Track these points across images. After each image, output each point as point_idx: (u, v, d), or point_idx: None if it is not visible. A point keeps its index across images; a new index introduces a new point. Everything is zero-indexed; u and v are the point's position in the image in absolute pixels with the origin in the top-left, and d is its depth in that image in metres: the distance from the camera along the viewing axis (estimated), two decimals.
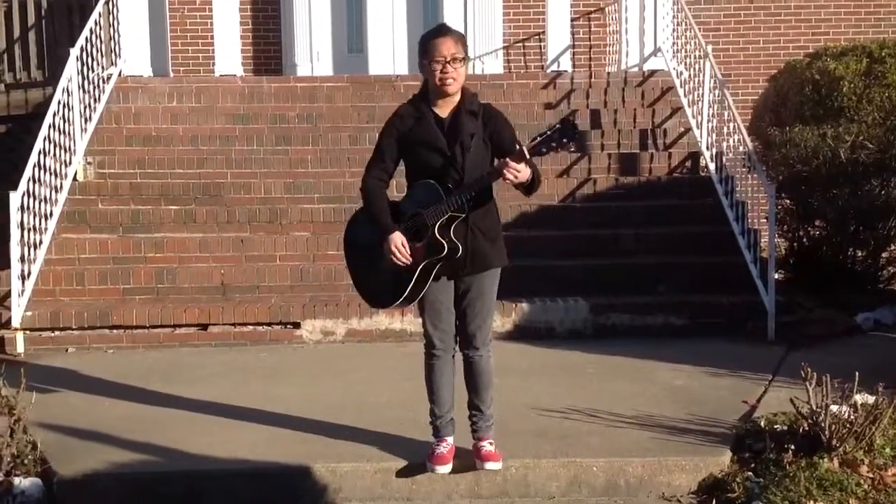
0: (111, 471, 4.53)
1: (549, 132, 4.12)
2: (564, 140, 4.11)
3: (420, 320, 4.46)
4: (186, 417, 5.30)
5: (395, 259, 4.17)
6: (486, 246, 4.29)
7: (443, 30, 4.29)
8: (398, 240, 4.18)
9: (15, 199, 7.13)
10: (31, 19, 9.84)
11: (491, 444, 4.44)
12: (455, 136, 4.21)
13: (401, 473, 4.51)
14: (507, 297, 6.74)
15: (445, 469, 4.42)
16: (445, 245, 4.17)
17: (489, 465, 4.39)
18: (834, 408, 4.53)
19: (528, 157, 4.09)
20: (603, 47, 11.34)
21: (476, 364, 4.43)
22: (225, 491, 4.47)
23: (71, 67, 8.34)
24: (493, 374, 4.48)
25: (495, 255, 4.34)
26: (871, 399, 4.65)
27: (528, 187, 4.20)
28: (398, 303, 4.33)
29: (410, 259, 4.18)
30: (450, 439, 4.48)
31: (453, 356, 4.45)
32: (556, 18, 10.39)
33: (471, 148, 4.21)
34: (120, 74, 9.52)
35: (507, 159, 4.09)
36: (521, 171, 4.08)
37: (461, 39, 4.25)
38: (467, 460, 4.46)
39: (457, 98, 4.27)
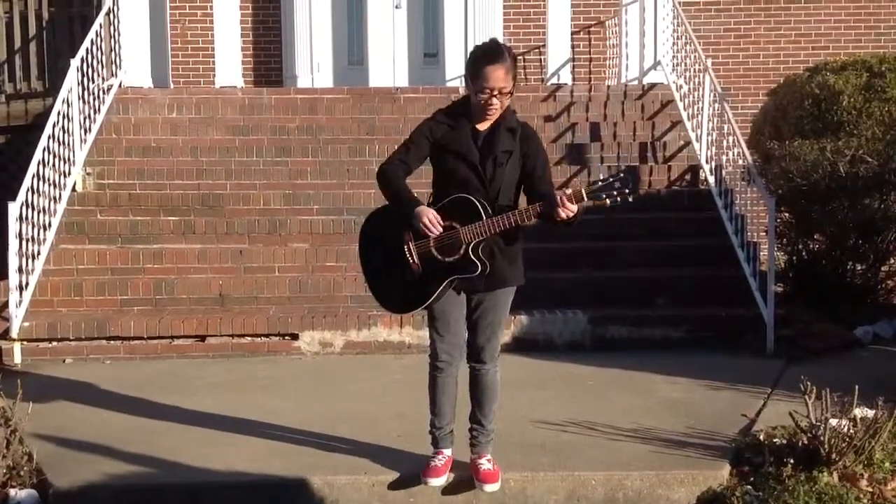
0: (108, 482, 4.52)
1: (611, 179, 4.02)
2: (627, 191, 4.00)
3: (421, 332, 4.44)
4: (183, 429, 5.28)
5: (427, 230, 4.03)
6: (505, 266, 4.24)
7: (497, 55, 4.08)
8: (431, 213, 4.05)
9: (14, 209, 7.13)
10: (32, 30, 9.85)
11: (489, 461, 4.41)
12: (489, 152, 4.15)
13: (397, 486, 4.49)
14: None
15: (439, 482, 4.39)
16: (479, 266, 4.11)
17: (488, 488, 4.35)
18: (833, 421, 4.53)
19: (585, 199, 4.00)
20: (603, 60, 11.37)
21: (482, 378, 4.40)
22: (222, 503, 4.45)
23: (71, 78, 8.35)
24: (498, 389, 4.45)
25: (513, 274, 4.29)
26: (870, 413, 4.64)
27: (567, 224, 4.08)
28: (419, 308, 4.28)
29: (442, 229, 4.06)
30: (447, 451, 4.46)
31: (457, 369, 4.41)
32: (556, 32, 10.40)
33: (504, 165, 4.15)
34: (120, 85, 9.54)
35: (565, 199, 3.96)
36: (574, 212, 4.01)
37: (513, 68, 4.10)
38: (464, 473, 4.44)
39: (497, 115, 4.19)
